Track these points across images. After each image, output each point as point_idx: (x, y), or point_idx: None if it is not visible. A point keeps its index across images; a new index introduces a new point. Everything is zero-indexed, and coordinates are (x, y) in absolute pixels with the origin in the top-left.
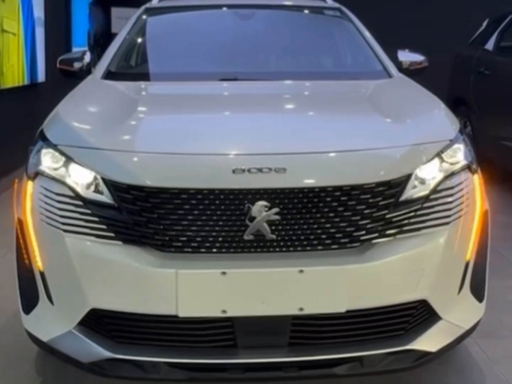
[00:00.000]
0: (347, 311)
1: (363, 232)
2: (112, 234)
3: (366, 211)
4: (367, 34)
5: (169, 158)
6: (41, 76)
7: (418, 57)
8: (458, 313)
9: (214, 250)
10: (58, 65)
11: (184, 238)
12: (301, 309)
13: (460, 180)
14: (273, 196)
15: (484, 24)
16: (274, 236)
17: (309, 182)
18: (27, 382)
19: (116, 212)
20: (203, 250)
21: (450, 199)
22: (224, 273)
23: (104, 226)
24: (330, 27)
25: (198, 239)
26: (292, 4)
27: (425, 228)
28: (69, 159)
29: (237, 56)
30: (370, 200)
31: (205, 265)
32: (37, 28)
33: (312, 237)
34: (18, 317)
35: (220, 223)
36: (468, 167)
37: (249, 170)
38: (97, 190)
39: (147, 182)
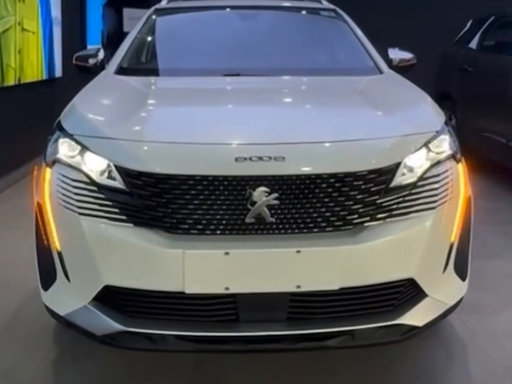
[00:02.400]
0: (340, 289)
1: (356, 216)
2: (124, 217)
3: (358, 197)
4: (360, 33)
5: (177, 147)
6: (58, 72)
7: (407, 55)
8: (443, 291)
9: (218, 232)
10: (74, 61)
11: (190, 221)
12: (298, 286)
13: (445, 168)
14: (272, 182)
15: (468, 24)
16: (273, 219)
17: (306, 169)
18: (46, 352)
19: (128, 197)
20: (207, 232)
21: (436, 186)
22: (227, 253)
23: (116, 210)
24: (325, 27)
25: (203, 221)
26: (291, 5)
27: (413, 212)
28: (84, 148)
29: (240, 54)
30: (362, 187)
31: (210, 246)
32: (55, 27)
33: (308, 220)
34: (38, 293)
35: (224, 207)
36: (452, 156)
37: (250, 159)
38: (110, 177)
39: (156, 169)
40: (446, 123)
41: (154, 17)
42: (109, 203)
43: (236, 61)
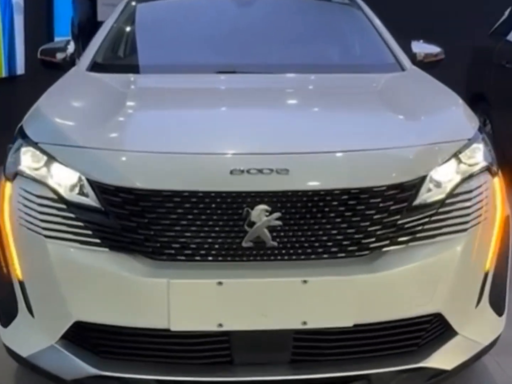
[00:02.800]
0: (355, 325)
1: (373, 239)
2: (98, 240)
3: (376, 217)
4: (379, 23)
5: (161, 157)
6: (20, 68)
7: (433, 49)
8: (475, 328)
9: (210, 258)
10: (39, 56)
11: (177, 245)
12: (304, 322)
13: (479, 183)
14: (274, 199)
15: (507, 13)
16: (275, 243)
17: (314, 184)
18: None
19: (103, 216)
20: (197, 258)
21: (468, 204)
22: (220, 283)
23: (89, 232)
24: (338, 15)
25: (192, 246)
26: None
27: (441, 235)
28: (51, 158)
29: (236, 47)
30: (381, 205)
31: (200, 275)
32: (16, 15)
33: (317, 244)
34: None
35: (216, 228)
36: (487, 169)
37: (248, 171)
38: (81, 192)
39: (136, 183)
40: (480, 129)
41: (133, 3)
42: (80, 223)
43: (232, 56)
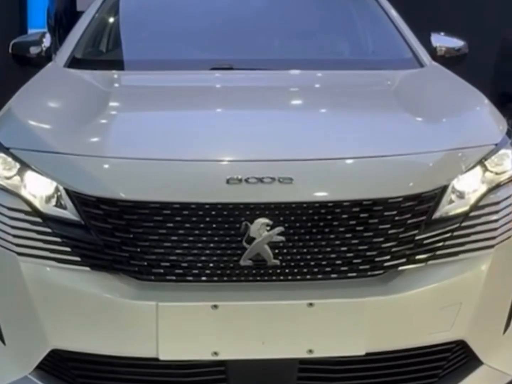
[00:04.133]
0: (367, 354)
1: (387, 257)
2: (77, 259)
3: (391, 231)
4: (394, 13)
5: (148, 165)
6: None
7: (456, 42)
8: (503, 357)
9: (204, 278)
10: (10, 51)
11: (167, 264)
12: (310, 351)
13: (507, 193)
14: (276, 212)
15: None
16: (277, 262)
17: (321, 195)
18: None
19: (83, 231)
20: (189, 278)
21: (495, 217)
22: (215, 306)
23: (67, 249)
24: (348, 4)
25: (184, 264)
26: None
27: (464, 252)
28: (24, 166)
29: (233, 40)
30: (396, 218)
31: (192, 297)
32: None
33: (324, 263)
34: None
35: (211, 245)
36: None
37: (246, 180)
38: (59, 204)
39: (120, 194)
40: (508, 133)
41: None
42: (58, 239)
43: (228, 50)
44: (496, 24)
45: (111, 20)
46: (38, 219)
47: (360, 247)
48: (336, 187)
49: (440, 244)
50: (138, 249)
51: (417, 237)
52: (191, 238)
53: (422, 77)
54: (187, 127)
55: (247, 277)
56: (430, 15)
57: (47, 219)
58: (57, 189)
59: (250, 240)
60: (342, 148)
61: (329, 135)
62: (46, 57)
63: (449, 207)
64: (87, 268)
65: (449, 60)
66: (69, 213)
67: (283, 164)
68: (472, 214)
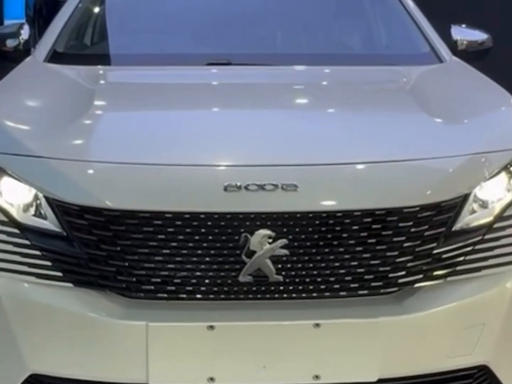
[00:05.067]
0: (379, 380)
1: (402, 272)
2: (59, 274)
3: (406, 244)
4: (410, 3)
5: (137, 170)
6: None
7: (479, 35)
8: None
9: (198, 296)
10: None
11: (158, 280)
12: (316, 376)
13: None
14: (279, 223)
15: None
16: (280, 278)
17: (329, 204)
18: None
19: (65, 244)
20: (183, 295)
21: None
22: (211, 327)
23: (48, 263)
24: None
25: (177, 280)
26: None
27: (487, 268)
28: (0, 171)
29: (231, 33)
30: (412, 229)
31: (186, 317)
32: None
33: (332, 279)
34: None
35: (207, 259)
36: None
37: (246, 187)
38: (38, 214)
39: (106, 202)
40: None
41: None
42: (37, 252)
43: (226, 43)
44: None
45: (97, 9)
46: (15, 230)
47: (372, 262)
48: (345, 195)
49: (461, 258)
50: (126, 264)
51: (435, 251)
52: (184, 252)
53: (441, 73)
54: (180, 128)
55: (246, 295)
56: (450, 4)
57: (25, 230)
58: (36, 197)
59: (250, 253)
60: (352, 152)
61: (338, 137)
62: (24, 51)
63: (471, 217)
64: (70, 285)
65: (471, 55)
66: (50, 223)
67: (286, 170)
68: (496, 225)
